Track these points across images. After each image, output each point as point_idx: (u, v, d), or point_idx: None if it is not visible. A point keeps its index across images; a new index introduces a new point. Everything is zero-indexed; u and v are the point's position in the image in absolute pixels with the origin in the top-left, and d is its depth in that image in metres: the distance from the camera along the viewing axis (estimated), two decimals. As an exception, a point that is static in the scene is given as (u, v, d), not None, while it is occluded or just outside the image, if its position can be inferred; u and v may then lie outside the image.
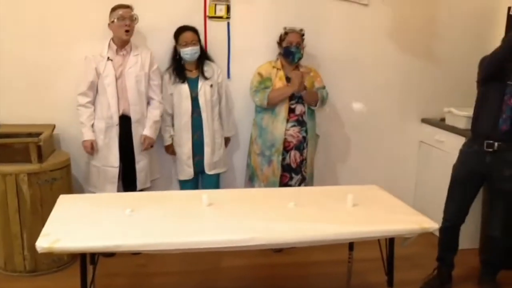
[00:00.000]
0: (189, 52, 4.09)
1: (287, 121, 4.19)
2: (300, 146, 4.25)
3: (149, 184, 4.25)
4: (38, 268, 3.86)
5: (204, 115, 4.19)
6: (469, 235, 4.24)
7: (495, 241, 3.70)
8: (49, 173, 3.80)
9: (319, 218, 2.93)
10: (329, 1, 4.56)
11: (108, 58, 3.93)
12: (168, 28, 4.19)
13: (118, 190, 4.08)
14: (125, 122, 4.01)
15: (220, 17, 4.39)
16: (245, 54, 4.42)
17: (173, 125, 4.29)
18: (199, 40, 4.18)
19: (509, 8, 4.50)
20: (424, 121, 4.96)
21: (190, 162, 4.25)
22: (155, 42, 4.26)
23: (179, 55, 4.15)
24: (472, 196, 3.74)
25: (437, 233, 3.71)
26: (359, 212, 3.08)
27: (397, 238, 3.01)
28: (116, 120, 3.97)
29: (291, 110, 4.20)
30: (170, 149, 4.34)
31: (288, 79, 4.19)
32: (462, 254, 3.95)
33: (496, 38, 4.01)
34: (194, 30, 4.17)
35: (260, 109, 4.28)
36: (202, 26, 4.33)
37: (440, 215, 3.79)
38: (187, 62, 4.17)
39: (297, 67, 4.27)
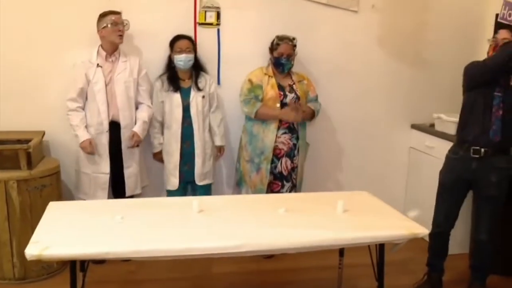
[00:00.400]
0: (183, 59, 4.08)
1: (278, 128, 4.18)
2: (291, 153, 4.25)
3: (140, 191, 4.24)
4: (27, 275, 3.84)
5: (195, 126, 4.19)
6: (459, 240, 4.27)
7: (482, 246, 3.71)
8: (39, 180, 3.79)
9: (309, 224, 2.93)
10: (319, 8, 4.58)
11: (98, 64, 3.92)
12: (158, 34, 4.20)
13: (108, 197, 4.07)
14: (114, 128, 4.00)
15: (210, 24, 4.39)
16: (236, 61, 4.43)
17: (162, 133, 4.28)
18: (195, 50, 4.20)
19: (496, 15, 4.52)
20: (414, 127, 4.98)
21: (177, 172, 4.23)
22: (145, 49, 4.28)
23: (174, 63, 4.14)
24: (460, 202, 3.76)
25: (427, 239, 3.72)
26: (350, 218, 3.08)
27: (387, 244, 3.02)
28: (106, 126, 3.96)
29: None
30: (158, 157, 4.34)
31: (280, 87, 4.19)
32: (452, 259, 3.97)
33: (484, 44, 4.03)
34: (189, 38, 4.18)
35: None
36: (192, 32, 4.33)
37: (430, 221, 3.80)
38: (181, 71, 4.17)
39: (288, 74, 4.28)
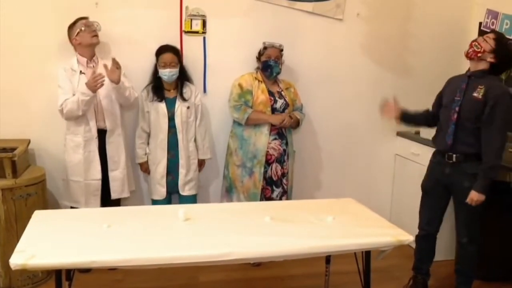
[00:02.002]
0: (167, 74, 4.10)
1: (269, 133, 4.20)
2: (281, 159, 4.26)
3: (127, 194, 4.20)
4: (12, 284, 3.80)
5: (179, 136, 4.20)
6: (445, 247, 4.29)
7: (464, 249, 3.74)
8: (24, 188, 3.76)
9: (296, 232, 2.94)
10: (305, 16, 4.61)
11: (81, 71, 3.91)
12: (143, 42, 4.21)
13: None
14: (100, 134, 3.99)
15: (196, 32, 4.40)
16: (222, 69, 4.44)
17: (148, 144, 4.28)
18: (180, 61, 4.21)
19: (480, 23, 4.59)
20: (399, 134, 5.01)
21: (164, 181, 4.23)
22: (131, 57, 4.23)
23: (159, 73, 4.16)
24: (442, 205, 3.82)
25: (413, 245, 3.75)
26: (336, 225, 3.09)
27: (373, 251, 3.03)
28: (94, 133, 3.95)
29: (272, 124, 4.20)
30: (144, 167, 4.33)
31: (270, 93, 4.23)
32: (439, 266, 4.00)
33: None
34: (175, 51, 4.18)
35: None
36: (178, 41, 4.34)
37: (416, 227, 3.84)
38: (165, 82, 4.18)
39: (275, 82, 4.31)
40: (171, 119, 4.17)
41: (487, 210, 3.69)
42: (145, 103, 4.21)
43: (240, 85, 4.22)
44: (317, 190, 4.89)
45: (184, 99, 4.19)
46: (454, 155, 3.59)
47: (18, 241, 2.69)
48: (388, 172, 5.12)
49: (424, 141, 4.54)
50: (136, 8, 4.13)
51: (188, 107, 4.21)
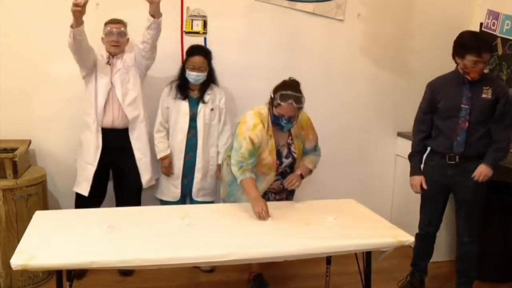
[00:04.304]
0: (193, 77, 4.01)
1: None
2: (281, 192, 3.79)
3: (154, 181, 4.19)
4: (13, 285, 3.80)
5: (200, 139, 4.08)
6: (446, 247, 4.30)
7: (465, 248, 3.75)
8: (25, 189, 3.76)
9: (296, 233, 2.95)
10: (305, 16, 4.61)
11: (108, 62, 3.96)
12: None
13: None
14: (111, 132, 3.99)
15: (197, 33, 4.40)
16: (223, 69, 4.43)
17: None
18: (209, 64, 4.11)
19: (481, 24, 4.58)
20: (400, 134, 5.01)
21: (178, 183, 4.12)
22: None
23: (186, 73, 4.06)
24: (441, 206, 3.84)
25: (413, 245, 3.75)
26: (337, 226, 3.10)
27: (374, 252, 3.03)
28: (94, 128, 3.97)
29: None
30: (168, 161, 4.10)
31: (278, 152, 3.61)
32: (439, 266, 4.01)
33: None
34: (205, 54, 4.09)
35: None
36: (179, 41, 4.34)
37: (416, 227, 3.84)
38: (191, 83, 4.08)
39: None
40: (192, 119, 4.07)
41: (488, 211, 3.70)
42: (166, 99, 4.11)
43: (251, 141, 3.46)
44: (318, 190, 4.86)
45: (204, 102, 4.08)
46: (457, 156, 3.60)
47: (18, 241, 2.70)
48: (389, 172, 5.12)
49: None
50: (137, 9, 4.10)
51: (212, 109, 4.10)
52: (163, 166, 4.15)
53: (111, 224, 2.93)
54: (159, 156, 4.13)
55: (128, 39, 4.02)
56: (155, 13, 3.69)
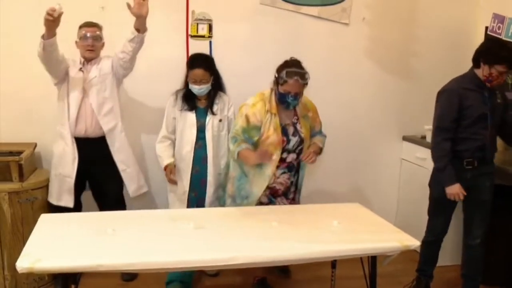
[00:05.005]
0: (196, 90, 3.83)
1: (277, 167, 3.66)
2: (288, 192, 3.80)
3: (145, 189, 4.11)
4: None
5: (209, 151, 3.89)
6: (451, 251, 4.28)
7: (474, 251, 3.74)
8: (30, 192, 3.77)
9: (302, 237, 2.94)
10: (311, 20, 4.62)
11: (80, 69, 3.83)
12: (150, 46, 4.13)
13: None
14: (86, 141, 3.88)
15: (202, 36, 4.41)
16: (228, 73, 4.42)
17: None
18: (213, 73, 3.89)
19: (486, 28, 4.57)
20: (405, 138, 5.01)
21: (185, 197, 3.93)
22: (137, 61, 4.18)
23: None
24: (452, 210, 3.81)
25: (419, 250, 3.73)
26: (341, 230, 3.09)
27: (379, 256, 3.03)
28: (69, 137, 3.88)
29: (282, 159, 3.66)
30: (169, 169, 3.90)
31: (284, 129, 3.64)
32: (444, 271, 3.99)
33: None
34: (206, 64, 3.85)
35: None
36: (184, 44, 4.35)
37: (422, 232, 3.83)
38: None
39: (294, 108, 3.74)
40: (200, 130, 3.89)
41: (494, 214, 3.69)
42: (172, 110, 3.93)
43: (247, 118, 3.59)
44: (323, 194, 4.88)
45: (213, 113, 3.91)
46: (476, 161, 3.60)
47: (24, 244, 2.70)
48: (394, 176, 5.11)
49: (430, 146, 4.50)
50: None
51: (220, 120, 3.93)
52: (166, 174, 3.96)
53: (116, 228, 2.93)
54: (162, 165, 3.95)
55: (103, 43, 3.88)
56: (141, 27, 3.57)
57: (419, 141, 4.81)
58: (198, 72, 3.79)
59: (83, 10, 4.03)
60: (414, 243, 2.95)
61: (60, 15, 3.25)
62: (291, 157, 3.70)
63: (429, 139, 4.61)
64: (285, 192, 3.79)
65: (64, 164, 3.82)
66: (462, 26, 4.95)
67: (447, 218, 3.81)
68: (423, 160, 4.62)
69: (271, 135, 3.58)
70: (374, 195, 4.95)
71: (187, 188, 3.93)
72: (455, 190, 3.58)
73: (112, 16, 4.05)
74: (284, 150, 3.64)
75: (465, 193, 3.57)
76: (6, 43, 4.09)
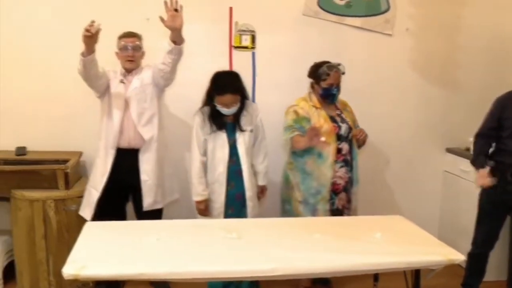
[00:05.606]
0: (226, 112, 3.66)
1: (335, 162, 3.84)
2: (347, 187, 3.94)
3: (161, 205, 3.95)
4: (62, 294, 3.88)
5: (244, 166, 3.74)
6: (496, 266, 4.19)
7: None
8: (75, 199, 3.85)
9: (344, 249, 2.91)
10: (353, 31, 4.62)
11: (121, 80, 3.83)
12: (194, 57, 4.20)
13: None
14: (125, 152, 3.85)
15: (245, 47, 4.44)
16: (271, 84, 4.46)
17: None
18: (242, 93, 3.73)
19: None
20: (449, 150, 4.93)
21: (221, 217, 3.75)
22: (180, 71, 4.16)
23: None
24: (500, 224, 3.76)
25: (463, 264, 3.68)
26: (384, 242, 3.05)
27: (423, 270, 2.98)
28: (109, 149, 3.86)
29: (338, 151, 3.85)
30: (204, 205, 3.74)
31: (332, 119, 3.87)
32: (489, 286, 3.89)
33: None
34: (236, 88, 3.67)
35: (301, 152, 3.84)
36: (227, 55, 4.39)
37: (466, 245, 3.79)
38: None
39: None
40: (232, 147, 3.73)
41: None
42: (201, 132, 3.73)
43: (295, 112, 3.84)
44: (365, 206, 4.82)
45: (241, 130, 3.74)
46: None
47: (68, 251, 2.74)
48: (437, 189, 5.04)
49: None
50: (186, 23, 4.15)
51: (251, 130, 3.78)
52: (198, 208, 3.78)
53: (160, 236, 2.96)
54: (195, 199, 3.77)
55: (143, 52, 3.88)
56: (177, 39, 3.50)
57: (463, 153, 4.72)
58: (228, 97, 3.62)
59: (129, 22, 4.07)
60: (459, 257, 2.89)
61: (98, 31, 3.28)
62: (345, 149, 3.89)
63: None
64: (345, 188, 3.92)
65: (93, 176, 3.84)
66: (507, 35, 4.86)
67: (492, 230, 3.75)
68: (467, 173, 4.55)
69: (323, 124, 3.79)
70: (416, 207, 4.88)
71: (222, 209, 3.76)
72: (481, 173, 3.59)
73: (157, 27, 4.09)
74: (338, 136, 3.85)
75: (493, 181, 3.54)
76: (59, 55, 4.18)
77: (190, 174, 3.82)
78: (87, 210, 3.78)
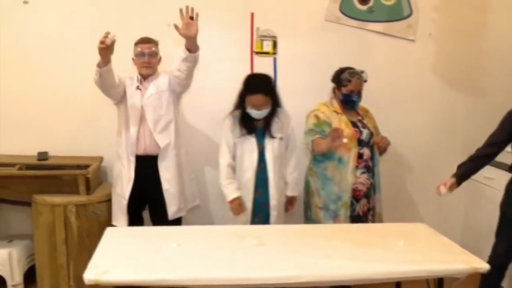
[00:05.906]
0: (256, 115, 3.69)
1: (357, 168, 3.82)
2: (369, 194, 3.91)
3: (183, 213, 3.93)
4: (82, 299, 3.89)
5: (270, 173, 3.73)
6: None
7: None
8: (96, 205, 3.86)
9: (366, 256, 2.89)
10: (375, 36, 4.59)
11: (137, 87, 3.79)
12: (215, 62, 4.24)
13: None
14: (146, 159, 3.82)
15: (267, 53, 4.43)
16: (292, 90, 4.42)
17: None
18: (273, 96, 3.75)
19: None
20: (472, 157, 4.87)
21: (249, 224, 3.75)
22: (201, 77, 4.15)
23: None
24: None
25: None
26: (407, 250, 3.02)
27: (446, 278, 2.94)
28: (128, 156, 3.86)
29: (359, 156, 3.83)
30: (236, 203, 3.71)
31: (354, 124, 3.86)
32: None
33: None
34: (268, 89, 3.70)
35: (322, 158, 3.84)
36: (249, 61, 4.38)
37: (489, 252, 3.70)
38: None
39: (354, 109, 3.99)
40: (260, 153, 3.74)
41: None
42: (231, 135, 3.74)
43: (316, 116, 3.84)
44: (387, 214, 4.79)
45: (271, 136, 3.76)
46: None
47: (89, 256, 2.75)
48: (460, 196, 4.97)
49: (499, 165, 4.37)
50: (207, 29, 4.15)
51: (281, 138, 3.79)
52: (233, 207, 3.75)
53: (181, 242, 2.95)
54: (228, 199, 3.74)
55: (160, 58, 3.85)
56: (192, 47, 3.45)
57: (487, 160, 4.66)
58: (259, 98, 3.64)
59: (150, 28, 4.05)
60: (483, 266, 2.85)
61: (113, 42, 3.27)
62: (366, 154, 3.86)
63: (497, 158, 4.48)
64: (367, 194, 3.88)
65: (120, 184, 3.83)
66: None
67: (510, 241, 3.66)
68: (491, 180, 4.49)
69: (344, 129, 3.71)
70: (439, 215, 4.83)
71: (249, 216, 3.76)
72: (446, 180, 3.60)
73: (178, 33, 4.09)
74: (359, 142, 3.82)
75: (449, 187, 3.54)
76: (81, 61, 4.17)
77: (218, 178, 3.81)
78: (120, 219, 3.80)
